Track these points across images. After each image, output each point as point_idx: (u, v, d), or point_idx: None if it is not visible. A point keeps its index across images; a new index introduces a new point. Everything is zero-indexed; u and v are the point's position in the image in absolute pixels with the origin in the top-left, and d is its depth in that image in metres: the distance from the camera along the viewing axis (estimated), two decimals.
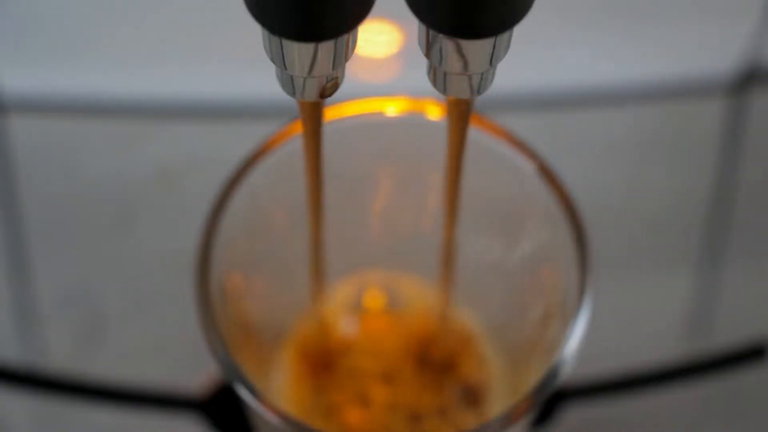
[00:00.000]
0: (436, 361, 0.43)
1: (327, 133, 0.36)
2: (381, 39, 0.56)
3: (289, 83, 0.32)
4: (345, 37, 0.31)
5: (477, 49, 0.31)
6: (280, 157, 0.40)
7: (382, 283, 0.45)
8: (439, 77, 0.32)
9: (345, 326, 0.44)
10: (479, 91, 0.33)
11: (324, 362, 0.43)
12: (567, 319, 0.38)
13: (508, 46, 0.32)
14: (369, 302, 0.45)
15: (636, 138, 0.57)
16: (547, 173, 0.40)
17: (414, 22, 0.31)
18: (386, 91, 0.43)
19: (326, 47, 0.31)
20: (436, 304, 0.44)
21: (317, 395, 0.43)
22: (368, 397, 0.43)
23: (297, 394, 0.43)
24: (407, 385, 0.43)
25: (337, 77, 0.32)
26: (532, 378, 0.38)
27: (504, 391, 0.43)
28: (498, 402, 0.43)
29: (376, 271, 0.45)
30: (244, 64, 0.53)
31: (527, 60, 0.53)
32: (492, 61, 0.31)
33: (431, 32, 0.31)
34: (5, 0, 0.56)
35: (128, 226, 0.55)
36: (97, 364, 0.52)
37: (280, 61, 0.31)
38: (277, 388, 0.43)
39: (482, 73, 0.32)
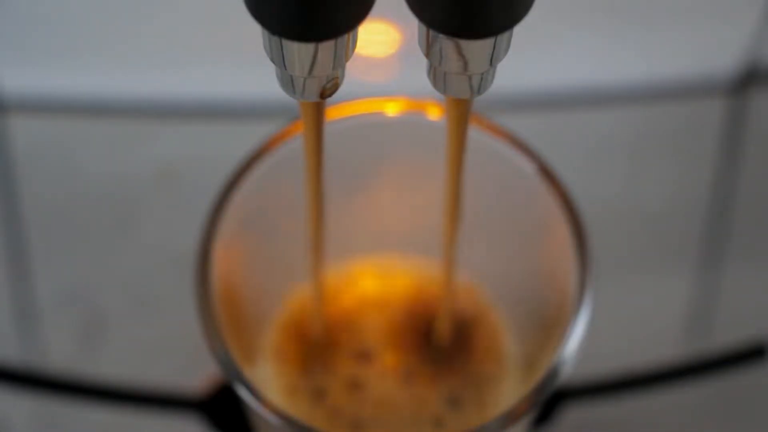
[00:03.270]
0: (439, 344, 0.43)
1: (327, 133, 0.36)
2: (381, 39, 0.56)
3: (289, 83, 0.32)
4: (345, 37, 0.31)
5: (477, 49, 0.31)
6: (280, 157, 0.40)
7: (380, 266, 0.45)
8: (439, 77, 0.32)
9: (338, 308, 0.44)
10: (479, 91, 0.33)
11: (314, 344, 0.43)
12: (568, 316, 0.38)
13: (508, 46, 0.32)
14: (365, 283, 0.45)
15: (636, 138, 0.57)
16: (547, 173, 0.40)
17: (414, 22, 0.31)
18: (386, 91, 0.43)
19: (326, 47, 0.31)
20: (437, 287, 0.44)
21: (305, 378, 0.42)
22: (360, 380, 0.43)
23: (283, 377, 0.42)
24: (405, 368, 0.43)
25: (337, 77, 0.32)
26: (545, 363, 0.38)
27: (516, 375, 0.43)
28: (509, 387, 0.42)
29: (374, 255, 0.45)
30: (244, 64, 0.53)
31: (527, 60, 0.53)
32: (492, 61, 0.31)
33: (431, 32, 0.31)
34: (5, 0, 0.56)
35: (128, 226, 0.55)
36: (97, 364, 0.52)
37: (280, 61, 0.31)
38: (263, 370, 0.43)
39: (482, 73, 0.32)
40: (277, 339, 0.43)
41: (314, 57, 0.31)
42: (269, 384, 0.42)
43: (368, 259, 0.45)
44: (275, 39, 0.31)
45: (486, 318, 0.44)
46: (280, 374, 0.43)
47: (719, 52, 0.58)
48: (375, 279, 0.45)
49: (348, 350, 0.43)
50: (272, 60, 0.31)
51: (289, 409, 0.42)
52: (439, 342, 0.43)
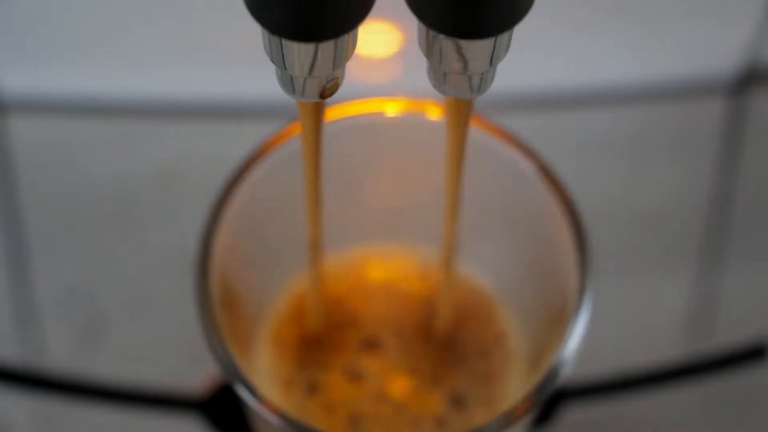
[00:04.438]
0: (439, 334, 0.43)
1: (327, 133, 0.36)
2: (381, 39, 0.56)
3: (289, 83, 0.32)
4: (345, 37, 0.31)
5: (477, 49, 0.31)
6: (280, 157, 0.40)
7: (378, 255, 0.45)
8: (439, 77, 0.32)
9: (337, 303, 0.44)
10: (479, 91, 0.33)
11: (311, 335, 0.43)
12: (569, 316, 0.38)
13: (508, 46, 0.32)
14: (364, 278, 0.44)
15: (636, 138, 0.57)
16: (547, 173, 0.40)
17: (414, 22, 0.31)
18: (386, 91, 0.43)
19: (326, 47, 0.31)
20: (437, 284, 0.44)
21: (300, 371, 0.42)
22: (357, 373, 0.42)
23: (278, 369, 0.42)
24: (404, 360, 0.43)
25: (337, 77, 0.32)
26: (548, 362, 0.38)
27: (521, 366, 0.42)
28: (514, 377, 0.42)
29: (372, 244, 0.45)
30: (244, 64, 0.53)
31: (527, 60, 0.53)
32: (492, 61, 0.31)
33: (431, 32, 0.31)
34: (5, 0, 0.56)
35: (128, 226, 0.55)
36: (97, 364, 0.52)
37: (280, 61, 0.31)
38: (258, 362, 0.42)
39: (482, 73, 0.32)
40: (275, 332, 0.43)
41: (314, 57, 0.31)
42: (264, 377, 0.42)
43: (367, 259, 0.45)
44: (275, 39, 0.31)
45: (492, 316, 0.44)
46: (276, 367, 0.42)
47: (719, 52, 0.58)
48: (374, 274, 0.45)
49: (347, 344, 0.43)
50: (272, 60, 0.31)
51: (284, 403, 0.41)
52: (441, 337, 0.43)
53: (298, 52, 0.31)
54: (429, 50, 0.32)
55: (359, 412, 0.42)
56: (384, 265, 0.45)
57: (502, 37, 0.31)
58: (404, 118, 0.41)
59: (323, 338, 0.43)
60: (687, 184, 0.56)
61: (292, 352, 0.43)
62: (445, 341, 0.43)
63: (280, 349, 0.43)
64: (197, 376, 0.47)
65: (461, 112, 0.35)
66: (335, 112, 0.41)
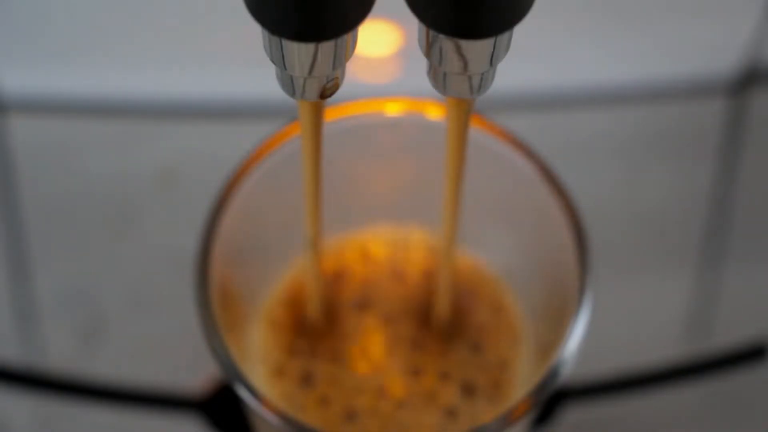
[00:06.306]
0: (440, 323, 0.43)
1: (327, 133, 0.36)
2: (381, 39, 0.56)
3: (289, 84, 0.32)
4: (345, 37, 0.31)
5: (477, 49, 0.31)
6: (280, 157, 0.40)
7: (378, 248, 0.45)
8: (439, 77, 0.32)
9: (333, 287, 0.44)
10: (479, 91, 0.33)
11: (308, 324, 0.43)
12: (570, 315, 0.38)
13: (508, 46, 0.32)
14: (362, 268, 0.44)
15: (636, 138, 0.57)
16: (547, 173, 0.40)
17: (414, 22, 0.31)
18: (386, 91, 0.43)
19: (326, 47, 0.31)
20: (438, 271, 0.43)
21: (294, 360, 0.42)
22: (354, 364, 0.42)
23: (271, 358, 0.42)
24: (404, 351, 0.42)
25: (337, 77, 0.32)
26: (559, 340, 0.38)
27: (529, 359, 0.42)
28: (521, 369, 0.42)
29: (370, 230, 0.44)
30: (244, 64, 0.53)
31: (527, 60, 0.53)
32: (492, 61, 0.31)
33: (431, 32, 0.31)
34: (5, 0, 0.56)
35: (128, 226, 0.55)
36: (97, 364, 0.52)
37: (280, 61, 0.31)
38: (252, 350, 0.42)
39: (482, 73, 0.32)
40: (272, 320, 0.43)
41: (314, 57, 0.31)
42: (258, 367, 0.42)
43: (366, 254, 0.45)
44: (275, 39, 0.31)
45: (503, 310, 0.43)
46: (271, 358, 0.42)
47: (719, 52, 0.58)
48: (372, 268, 0.45)
49: (346, 336, 0.43)
50: (272, 60, 0.32)
51: (276, 394, 0.41)
52: (445, 327, 0.43)
53: (298, 52, 0.31)
54: (429, 50, 0.32)
55: (356, 406, 0.42)
56: (383, 259, 0.45)
57: (502, 37, 0.31)
58: (404, 118, 0.41)
59: (320, 329, 0.43)
60: (687, 184, 0.56)
61: (288, 341, 0.43)
62: (449, 330, 0.43)
63: (275, 340, 0.43)
64: (197, 376, 0.47)
65: (461, 113, 0.35)
66: (335, 112, 0.41)
